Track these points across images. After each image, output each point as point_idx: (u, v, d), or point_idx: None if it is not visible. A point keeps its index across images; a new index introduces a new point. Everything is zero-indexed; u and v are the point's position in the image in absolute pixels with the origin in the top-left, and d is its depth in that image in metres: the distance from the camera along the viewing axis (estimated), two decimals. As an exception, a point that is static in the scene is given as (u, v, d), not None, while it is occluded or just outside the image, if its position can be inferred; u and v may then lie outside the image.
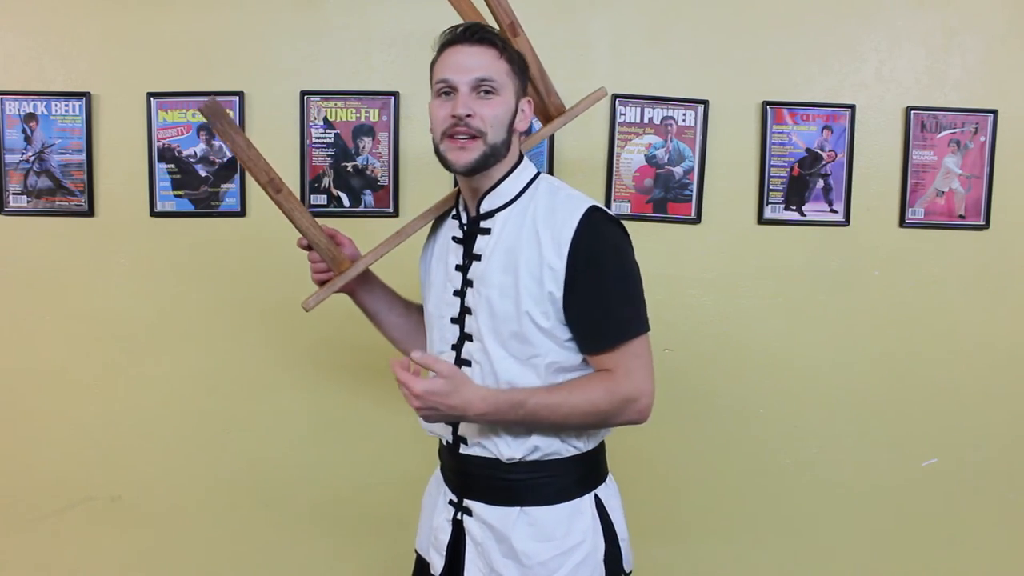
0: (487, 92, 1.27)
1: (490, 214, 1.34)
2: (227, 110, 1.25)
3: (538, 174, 1.37)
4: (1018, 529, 2.19)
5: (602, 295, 1.27)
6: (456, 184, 1.46)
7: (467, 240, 1.37)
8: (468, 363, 1.33)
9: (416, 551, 1.50)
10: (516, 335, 1.28)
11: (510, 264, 1.29)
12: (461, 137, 1.26)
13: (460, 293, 1.36)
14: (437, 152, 1.31)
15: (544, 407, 1.25)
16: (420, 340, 1.53)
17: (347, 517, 2.14)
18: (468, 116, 1.25)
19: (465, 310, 1.34)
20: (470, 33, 1.29)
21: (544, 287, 1.26)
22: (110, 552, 2.14)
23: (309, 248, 1.45)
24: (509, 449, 1.30)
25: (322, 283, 1.47)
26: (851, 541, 2.18)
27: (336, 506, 2.14)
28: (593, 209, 1.28)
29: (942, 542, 2.18)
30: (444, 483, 1.43)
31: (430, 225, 1.52)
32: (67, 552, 2.14)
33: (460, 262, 1.37)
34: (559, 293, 1.26)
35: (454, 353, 1.36)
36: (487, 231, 1.34)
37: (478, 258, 1.33)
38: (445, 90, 1.28)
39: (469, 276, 1.34)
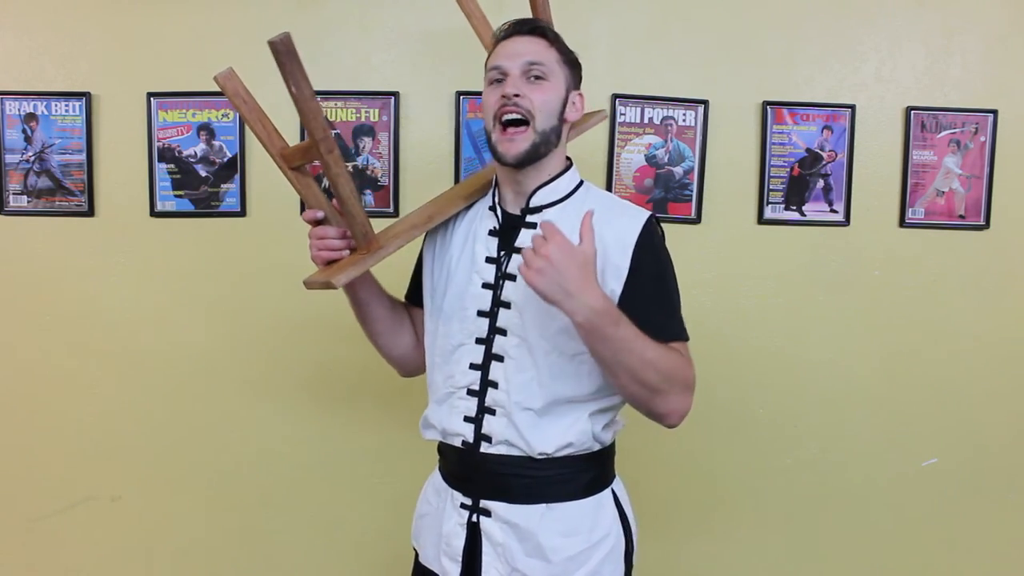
0: (537, 77, 1.29)
1: (538, 209, 1.34)
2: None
3: (582, 180, 1.40)
4: (1018, 529, 2.19)
5: (662, 296, 1.30)
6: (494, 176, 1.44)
7: (506, 233, 1.36)
8: (500, 358, 1.31)
9: (423, 564, 1.43)
10: (566, 331, 1.26)
11: None
12: (511, 119, 1.27)
13: (493, 286, 1.34)
14: (489, 142, 1.32)
15: (636, 340, 1.18)
16: (403, 336, 1.49)
17: (347, 517, 2.14)
18: (517, 96, 1.26)
19: (501, 304, 1.32)
20: (522, 24, 1.33)
21: (606, 285, 1.27)
22: (110, 552, 2.14)
23: (319, 222, 1.35)
24: (541, 443, 1.29)
25: (330, 261, 1.35)
26: (851, 541, 2.18)
27: (336, 506, 2.14)
28: (653, 216, 1.34)
29: (942, 542, 2.18)
30: (451, 487, 1.39)
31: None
32: (67, 552, 2.14)
33: (493, 255, 1.35)
34: (619, 291, 1.27)
35: (481, 347, 1.33)
36: (533, 225, 1.33)
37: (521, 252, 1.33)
38: (497, 77, 1.30)
39: (510, 270, 1.32)
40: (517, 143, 1.28)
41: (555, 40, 1.34)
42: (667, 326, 1.28)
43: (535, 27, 1.33)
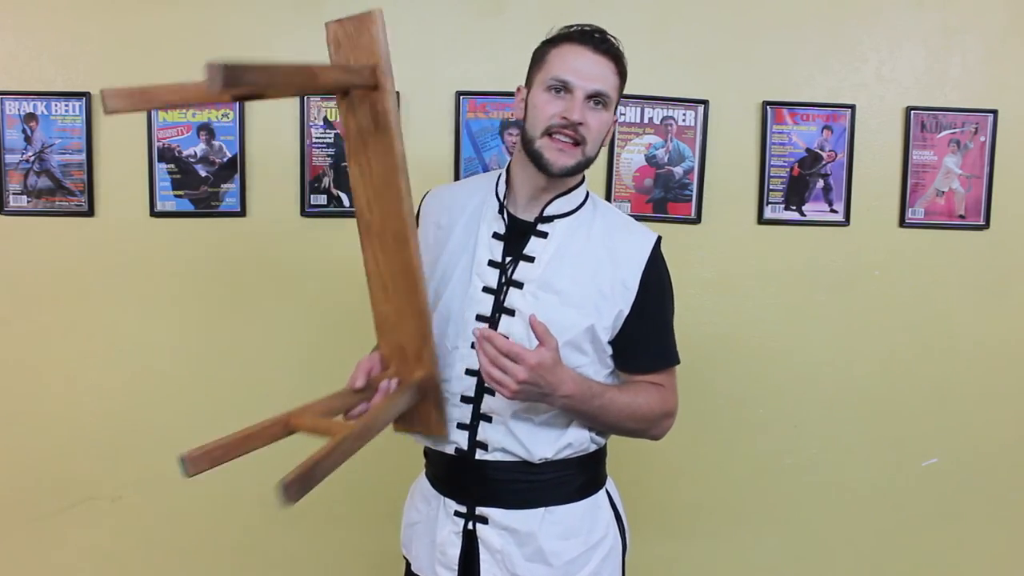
0: (598, 104, 1.27)
1: (550, 218, 1.33)
2: None
3: (588, 191, 1.40)
4: (1018, 529, 2.19)
5: (664, 321, 1.36)
6: (505, 176, 1.39)
7: (512, 238, 1.33)
8: None
9: (416, 574, 1.42)
10: (571, 344, 1.27)
11: (577, 275, 1.30)
12: (564, 139, 1.26)
13: (495, 291, 1.31)
14: (530, 146, 1.28)
15: (614, 403, 1.27)
16: None
17: (346, 516, 2.15)
18: (580, 124, 1.25)
19: (504, 310, 1.30)
20: (599, 40, 1.28)
21: (615, 304, 1.30)
22: (110, 552, 2.14)
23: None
24: (541, 448, 1.29)
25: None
26: (851, 541, 2.18)
27: (336, 506, 2.14)
28: (660, 239, 1.36)
29: (942, 542, 2.18)
30: (442, 495, 1.37)
31: (423, 209, 1.44)
32: (67, 552, 2.14)
33: (497, 259, 1.32)
34: (627, 312, 1.30)
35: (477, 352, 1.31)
36: (543, 234, 1.32)
37: (530, 260, 1.31)
38: (557, 87, 1.26)
39: (516, 277, 1.30)
40: (567, 155, 1.26)
41: (622, 66, 1.31)
42: (663, 355, 1.37)
43: (609, 48, 1.28)
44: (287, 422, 1.23)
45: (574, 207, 1.35)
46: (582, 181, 1.37)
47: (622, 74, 1.31)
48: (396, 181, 1.17)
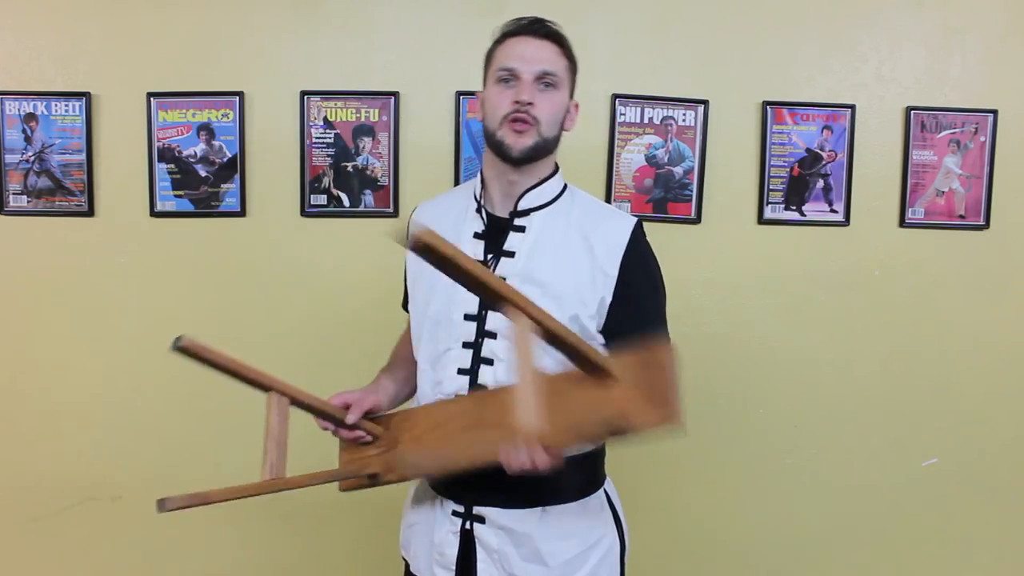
0: (547, 85, 1.30)
1: (525, 212, 1.34)
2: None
3: (566, 184, 1.40)
4: (1018, 529, 2.19)
5: (649, 306, 1.34)
6: (481, 179, 1.41)
7: (492, 236, 1.34)
8: (489, 361, 1.30)
9: (415, 575, 1.42)
10: None
11: (557, 266, 1.30)
12: (518, 123, 1.28)
13: None
14: (492, 139, 1.31)
15: None
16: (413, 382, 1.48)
17: (346, 517, 2.14)
18: (530, 104, 1.27)
19: (490, 307, 1.30)
20: (538, 26, 1.32)
21: (596, 292, 1.29)
22: (111, 552, 2.14)
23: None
24: None
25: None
26: (851, 541, 2.18)
27: (336, 507, 2.14)
28: (640, 223, 1.35)
29: (942, 542, 2.18)
30: (440, 495, 1.37)
31: (412, 224, 1.46)
32: (67, 552, 2.14)
33: (480, 258, 1.33)
34: (609, 298, 1.29)
35: (468, 352, 1.31)
36: (521, 228, 1.33)
37: (510, 255, 1.32)
38: (506, 78, 1.30)
39: (498, 273, 1.31)
40: (525, 136, 1.28)
41: (567, 48, 1.34)
42: (652, 337, 1.33)
43: (549, 31, 1.32)
44: (271, 386, 1.39)
45: (550, 199, 1.36)
46: (555, 171, 1.38)
47: (569, 56, 1.34)
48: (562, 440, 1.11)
